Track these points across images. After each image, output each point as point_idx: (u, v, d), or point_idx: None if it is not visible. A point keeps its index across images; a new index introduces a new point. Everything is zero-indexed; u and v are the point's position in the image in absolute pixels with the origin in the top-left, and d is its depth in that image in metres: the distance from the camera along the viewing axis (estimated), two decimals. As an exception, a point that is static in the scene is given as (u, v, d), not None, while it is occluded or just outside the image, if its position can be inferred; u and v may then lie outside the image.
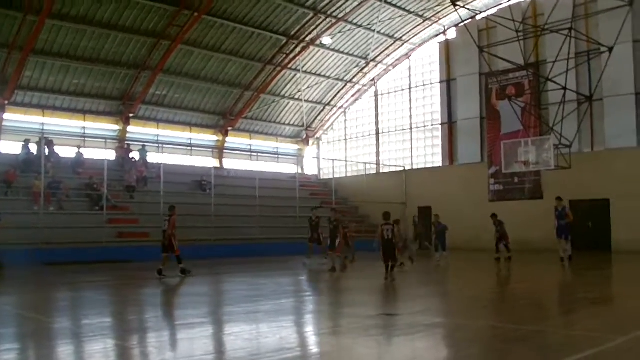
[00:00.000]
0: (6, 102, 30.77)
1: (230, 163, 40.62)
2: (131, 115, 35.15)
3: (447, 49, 38.77)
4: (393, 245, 16.29)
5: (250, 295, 14.11)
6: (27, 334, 9.29)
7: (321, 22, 35.96)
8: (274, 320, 10.21)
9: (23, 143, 30.32)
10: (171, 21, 31.70)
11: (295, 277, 18.80)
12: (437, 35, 39.64)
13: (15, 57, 29.56)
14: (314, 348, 8.11)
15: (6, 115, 31.36)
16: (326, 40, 37.43)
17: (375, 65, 41.81)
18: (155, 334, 9.06)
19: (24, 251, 22.91)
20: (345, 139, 44.93)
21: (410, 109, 40.89)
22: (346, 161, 43.95)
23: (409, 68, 41.31)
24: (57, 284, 17.16)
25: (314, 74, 40.43)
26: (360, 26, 37.34)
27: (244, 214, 32.05)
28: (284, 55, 37.63)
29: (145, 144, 35.14)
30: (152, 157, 34.81)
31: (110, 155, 33.00)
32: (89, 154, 32.79)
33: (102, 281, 16.47)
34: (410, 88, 41.03)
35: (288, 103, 42.09)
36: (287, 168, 44.35)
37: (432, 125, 39.78)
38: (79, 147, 32.36)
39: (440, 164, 39.05)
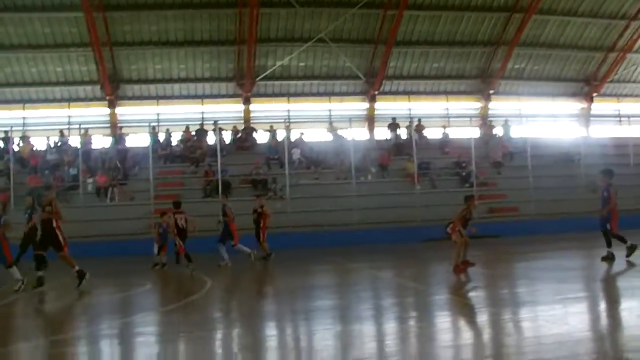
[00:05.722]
0: (376, 92, 33.49)
1: (597, 130, 38.59)
2: (491, 91, 35.53)
3: None
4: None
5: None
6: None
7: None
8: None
9: (388, 128, 32.67)
10: (523, -8, 31.30)
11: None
12: None
13: (379, 51, 32.06)
14: None
15: (377, 105, 34.10)
16: None
17: None
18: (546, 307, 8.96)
19: (401, 229, 24.72)
20: None
21: None
22: None
23: None
24: (434, 259, 18.19)
25: (691, 23, 36.33)
26: None
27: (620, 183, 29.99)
28: (652, 7, 34.49)
29: (508, 118, 35.13)
30: (516, 132, 34.65)
31: (474, 133, 33.63)
32: (454, 133, 33.90)
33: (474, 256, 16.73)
34: None
35: (661, 59, 38.50)
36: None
37: None
38: (444, 127, 33.67)
39: None
